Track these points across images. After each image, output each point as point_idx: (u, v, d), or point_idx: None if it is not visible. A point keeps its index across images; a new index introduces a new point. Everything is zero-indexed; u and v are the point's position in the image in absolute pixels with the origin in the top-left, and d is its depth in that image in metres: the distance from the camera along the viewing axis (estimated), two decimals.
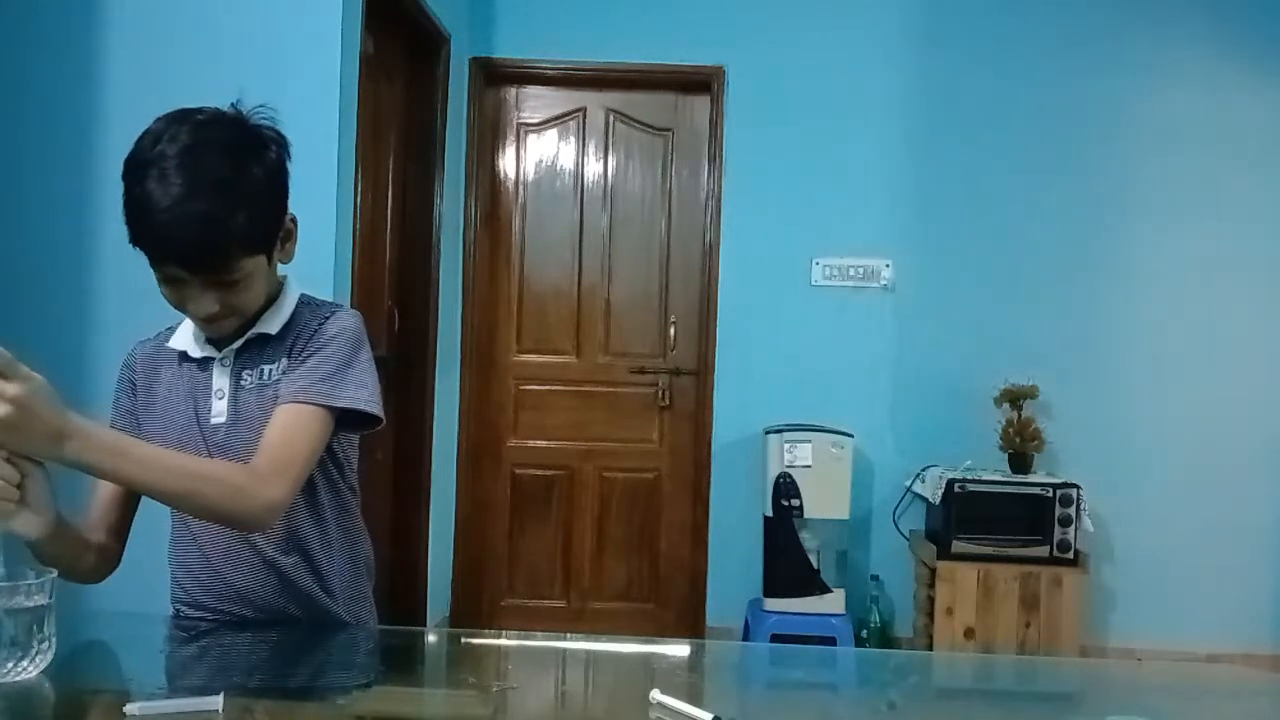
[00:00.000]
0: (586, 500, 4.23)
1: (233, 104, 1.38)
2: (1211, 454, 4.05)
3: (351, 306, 2.69)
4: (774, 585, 3.78)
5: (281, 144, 1.38)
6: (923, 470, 3.94)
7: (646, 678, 1.34)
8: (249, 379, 1.41)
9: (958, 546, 3.66)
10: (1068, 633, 3.62)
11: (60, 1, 2.52)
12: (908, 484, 4.02)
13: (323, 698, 1.19)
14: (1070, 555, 3.64)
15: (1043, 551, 3.64)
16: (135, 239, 1.29)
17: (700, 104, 4.20)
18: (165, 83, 2.50)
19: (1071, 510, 3.64)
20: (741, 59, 4.12)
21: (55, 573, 1.14)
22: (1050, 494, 3.65)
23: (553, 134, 4.24)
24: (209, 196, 1.26)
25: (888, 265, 4.10)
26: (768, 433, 3.82)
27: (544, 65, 4.16)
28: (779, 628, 3.70)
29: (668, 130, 4.24)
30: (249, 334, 1.41)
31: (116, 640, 1.40)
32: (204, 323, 1.38)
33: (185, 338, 1.44)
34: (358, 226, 2.79)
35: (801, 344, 4.10)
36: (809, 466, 3.74)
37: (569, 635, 1.43)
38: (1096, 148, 4.07)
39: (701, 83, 4.15)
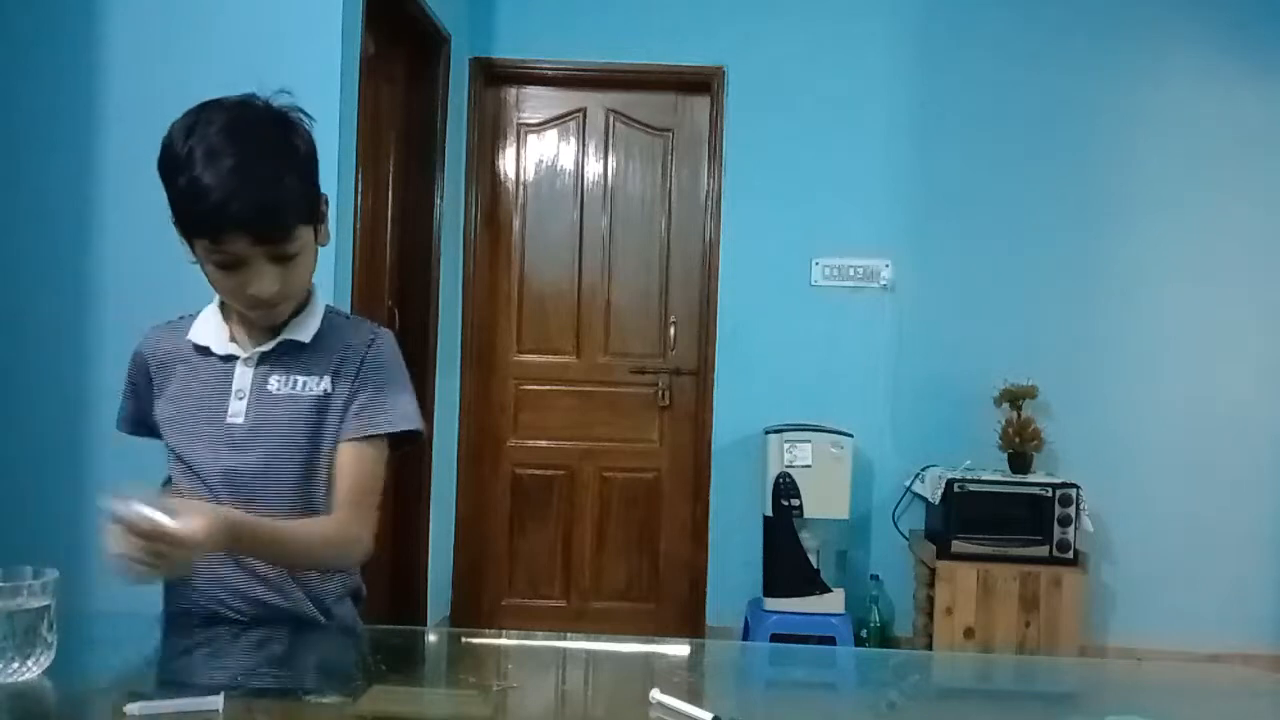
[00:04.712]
0: (586, 500, 4.23)
1: (251, 95, 1.39)
2: (1211, 454, 4.05)
3: (351, 306, 2.70)
4: (774, 585, 3.78)
5: (306, 124, 1.39)
6: (922, 470, 3.94)
7: (646, 678, 1.34)
8: (278, 384, 1.40)
9: (957, 546, 3.66)
10: (1067, 632, 3.62)
11: (60, 2, 2.52)
12: (907, 484, 4.02)
13: (322, 697, 1.18)
14: (1070, 555, 3.64)
15: (1042, 551, 3.64)
16: (193, 223, 1.29)
17: (700, 104, 4.20)
18: (165, 82, 2.50)
19: (1071, 510, 3.64)
20: (741, 59, 4.12)
21: (55, 573, 1.14)
22: (1050, 494, 3.65)
23: (553, 134, 4.24)
24: (262, 162, 1.28)
25: (887, 265, 4.10)
26: (768, 432, 3.82)
27: (544, 65, 4.16)
28: (779, 627, 3.70)
29: (668, 130, 4.24)
30: (280, 338, 1.41)
31: (116, 640, 1.40)
32: (260, 307, 1.36)
33: (208, 332, 1.43)
34: (358, 226, 2.79)
35: (801, 344, 4.10)
36: (809, 466, 3.74)
37: (569, 635, 1.43)
38: (1097, 148, 4.08)
39: (701, 83, 4.15)
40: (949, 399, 4.03)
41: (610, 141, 4.24)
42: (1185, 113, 4.06)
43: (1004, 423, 3.86)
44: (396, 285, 3.62)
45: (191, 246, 1.33)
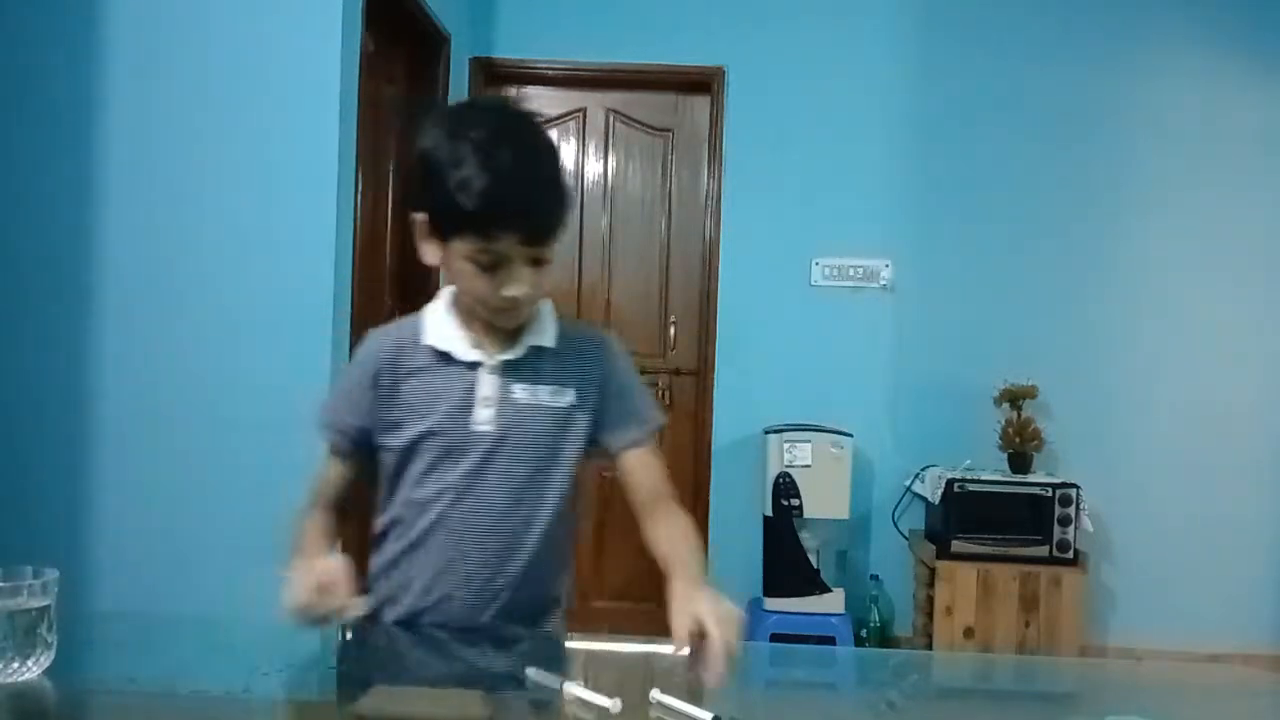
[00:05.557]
0: (587, 500, 4.22)
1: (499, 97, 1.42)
2: (1211, 453, 4.05)
3: (351, 307, 2.70)
4: (774, 585, 3.78)
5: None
6: (922, 470, 3.94)
7: (647, 678, 1.34)
8: (521, 392, 1.39)
9: (957, 546, 3.66)
10: (1067, 632, 3.62)
11: (60, 1, 2.51)
12: (907, 484, 4.02)
13: (322, 697, 1.19)
14: (1070, 555, 3.64)
15: (1042, 551, 3.64)
16: (464, 221, 1.26)
17: (700, 104, 4.20)
18: (165, 82, 2.51)
19: (1071, 510, 3.64)
20: (741, 59, 4.12)
21: (56, 573, 1.14)
22: (1049, 494, 3.65)
23: (553, 134, 4.24)
24: (537, 163, 1.29)
25: (887, 265, 4.10)
26: (767, 432, 3.82)
27: (544, 65, 4.16)
28: (779, 627, 3.70)
29: (668, 130, 4.24)
30: (526, 345, 1.39)
31: (116, 640, 1.40)
32: (510, 309, 1.33)
33: (445, 337, 1.40)
34: (358, 227, 2.79)
35: (801, 344, 4.10)
36: (808, 466, 3.74)
37: (569, 635, 1.43)
38: (1097, 148, 4.07)
39: (701, 83, 4.15)
40: (949, 399, 4.03)
41: (610, 141, 4.24)
42: (1185, 113, 4.06)
43: (1004, 423, 3.86)
44: (396, 285, 3.62)
45: (441, 245, 1.31)
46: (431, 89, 3.72)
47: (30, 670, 1.11)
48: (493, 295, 1.31)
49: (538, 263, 1.31)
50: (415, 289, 3.70)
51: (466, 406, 1.38)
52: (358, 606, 1.23)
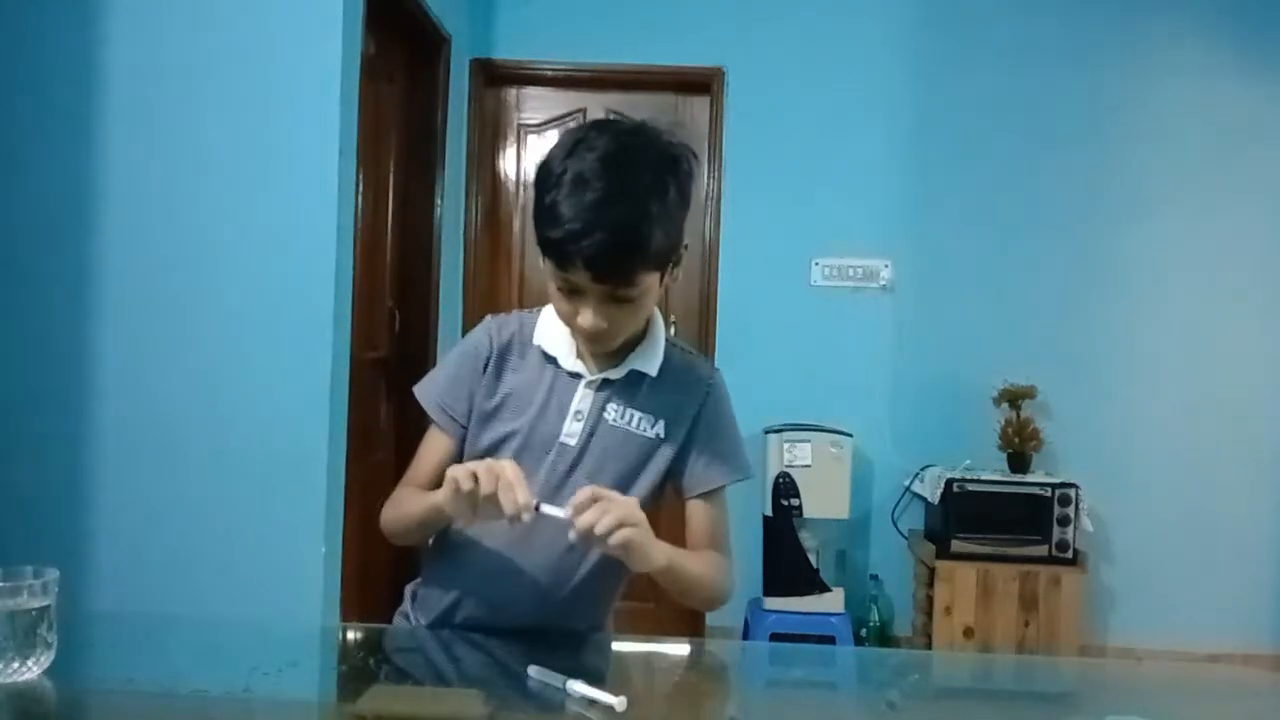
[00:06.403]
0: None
1: (647, 120, 1.33)
2: (1211, 453, 4.05)
3: (351, 307, 2.70)
4: (773, 584, 3.78)
5: (692, 162, 1.32)
6: (922, 470, 3.94)
7: (646, 677, 1.34)
8: (614, 414, 1.39)
9: (957, 546, 3.66)
10: (1067, 632, 3.62)
11: (60, 1, 2.51)
12: (907, 484, 4.02)
13: (322, 697, 1.19)
14: (1069, 555, 3.64)
15: (1042, 551, 3.64)
16: (543, 244, 1.27)
17: (700, 104, 4.20)
18: (165, 83, 2.51)
19: (1070, 510, 3.64)
20: (741, 59, 4.12)
21: (56, 573, 1.14)
22: (1049, 494, 3.65)
23: (553, 135, 4.24)
24: (626, 204, 1.23)
25: (887, 265, 4.10)
26: (767, 432, 3.82)
27: (544, 66, 4.16)
28: (778, 627, 3.70)
29: None
30: (628, 368, 1.39)
31: (116, 640, 1.40)
32: (587, 337, 1.34)
33: (555, 341, 1.40)
34: (358, 227, 2.78)
35: (801, 344, 4.10)
36: (808, 466, 3.74)
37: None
38: (1097, 148, 4.08)
39: (701, 83, 4.15)
40: (949, 399, 4.03)
41: None
42: (1186, 113, 4.06)
43: (1003, 423, 3.86)
44: (396, 285, 3.62)
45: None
46: (431, 89, 3.72)
47: (30, 670, 1.11)
48: (571, 319, 1.32)
49: (621, 299, 1.28)
50: (415, 289, 3.71)
51: (559, 415, 1.38)
52: (531, 507, 1.20)
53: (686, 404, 1.42)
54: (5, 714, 1.06)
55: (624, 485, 1.37)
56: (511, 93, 4.24)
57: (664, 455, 1.41)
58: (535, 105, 4.24)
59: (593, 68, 4.13)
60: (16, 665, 1.10)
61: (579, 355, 1.40)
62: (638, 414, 1.39)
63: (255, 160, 2.51)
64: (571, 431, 1.38)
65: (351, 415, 2.64)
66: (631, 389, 1.40)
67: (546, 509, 1.21)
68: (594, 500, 1.20)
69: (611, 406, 1.39)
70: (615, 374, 1.39)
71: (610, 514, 1.19)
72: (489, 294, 4.21)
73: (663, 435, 1.40)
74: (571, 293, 1.29)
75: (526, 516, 1.19)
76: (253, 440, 2.50)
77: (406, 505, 1.40)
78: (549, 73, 4.18)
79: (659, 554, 1.27)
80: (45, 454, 2.51)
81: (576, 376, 1.40)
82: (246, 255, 2.51)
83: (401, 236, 3.64)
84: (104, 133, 2.50)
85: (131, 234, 2.50)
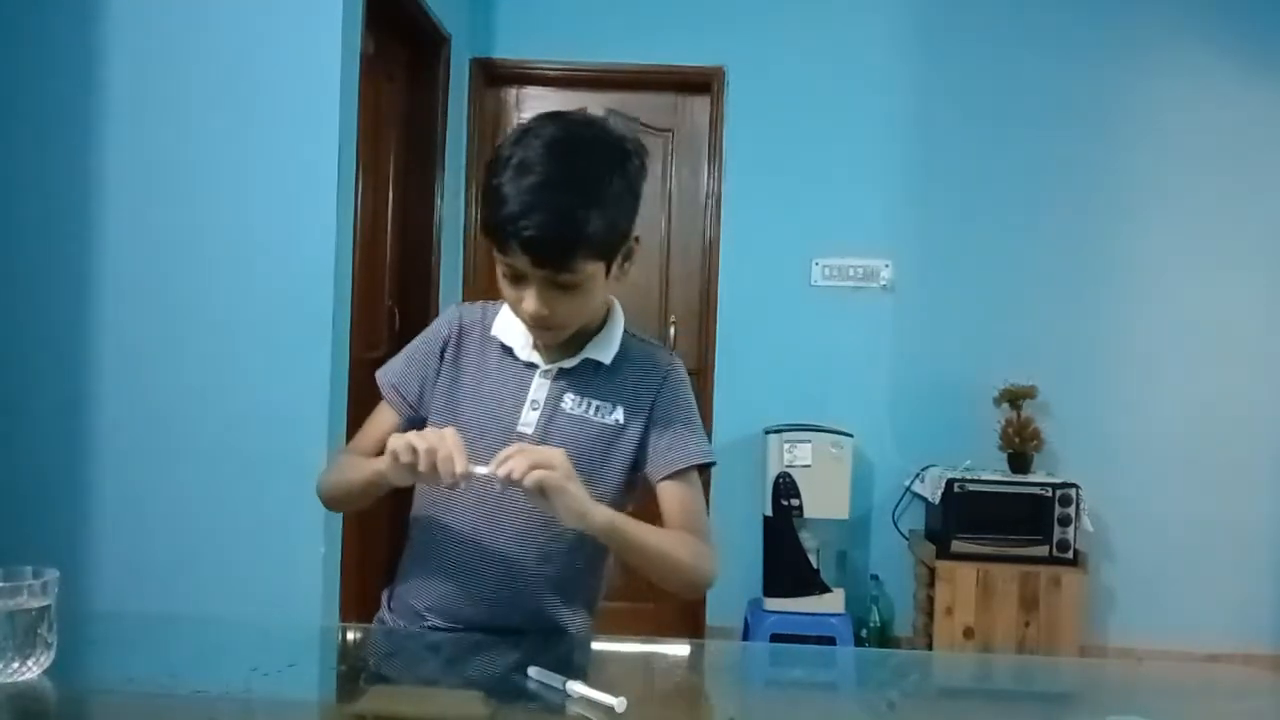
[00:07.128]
0: None
1: (607, 112, 1.38)
2: (1211, 453, 4.05)
3: (351, 307, 2.70)
4: (774, 585, 3.78)
5: (643, 158, 1.33)
6: (922, 470, 3.94)
7: (647, 678, 1.34)
8: (571, 404, 1.39)
9: (957, 546, 3.66)
10: (1067, 632, 3.62)
11: (60, 1, 2.51)
12: (907, 484, 4.02)
13: (322, 697, 1.18)
14: (1070, 555, 3.64)
15: (1042, 551, 3.64)
16: (485, 228, 1.29)
17: (700, 104, 4.20)
18: (164, 82, 2.51)
19: (1071, 510, 3.64)
20: (741, 59, 4.12)
21: (56, 573, 1.14)
22: (1049, 494, 3.65)
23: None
24: (567, 190, 1.24)
25: (887, 265, 4.10)
26: (767, 432, 3.82)
27: (544, 65, 4.16)
28: (779, 627, 3.70)
29: (668, 130, 4.24)
30: (582, 357, 1.40)
31: (116, 640, 1.40)
32: (532, 325, 1.34)
33: (511, 332, 1.42)
34: (358, 226, 2.79)
35: (801, 344, 4.10)
36: (808, 466, 3.74)
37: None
38: (1097, 148, 4.07)
39: (701, 83, 4.15)
40: (949, 399, 4.03)
41: None
42: (1187, 112, 4.06)
43: (1004, 423, 3.86)
44: (396, 285, 3.62)
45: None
46: (431, 89, 3.72)
47: (30, 670, 1.11)
48: (517, 307, 1.33)
49: (564, 286, 1.28)
50: (415, 289, 3.71)
51: (515, 404, 1.39)
52: (466, 473, 1.21)
53: (644, 390, 1.42)
54: (5, 714, 1.06)
55: (589, 475, 1.35)
56: (511, 92, 4.24)
57: (627, 441, 1.40)
58: (535, 105, 4.24)
59: (593, 67, 4.13)
60: (16, 665, 1.10)
61: (535, 346, 1.41)
62: (595, 401, 1.40)
63: (255, 160, 2.51)
64: (528, 421, 1.38)
65: (351, 415, 2.64)
66: (587, 377, 1.41)
67: (476, 469, 1.22)
68: (518, 454, 1.22)
69: (569, 396, 1.40)
70: (569, 363, 1.40)
71: (525, 456, 1.21)
72: (488, 294, 4.15)
73: (622, 421, 1.40)
74: (516, 279, 1.30)
75: (463, 483, 1.23)
76: (252, 440, 2.50)
77: (348, 472, 1.42)
78: (549, 72, 4.18)
79: (597, 512, 1.25)
80: (45, 454, 2.51)
81: (532, 367, 1.41)
82: (246, 255, 2.51)
83: (401, 236, 3.64)
84: (103, 133, 2.50)
85: (130, 234, 2.50)
